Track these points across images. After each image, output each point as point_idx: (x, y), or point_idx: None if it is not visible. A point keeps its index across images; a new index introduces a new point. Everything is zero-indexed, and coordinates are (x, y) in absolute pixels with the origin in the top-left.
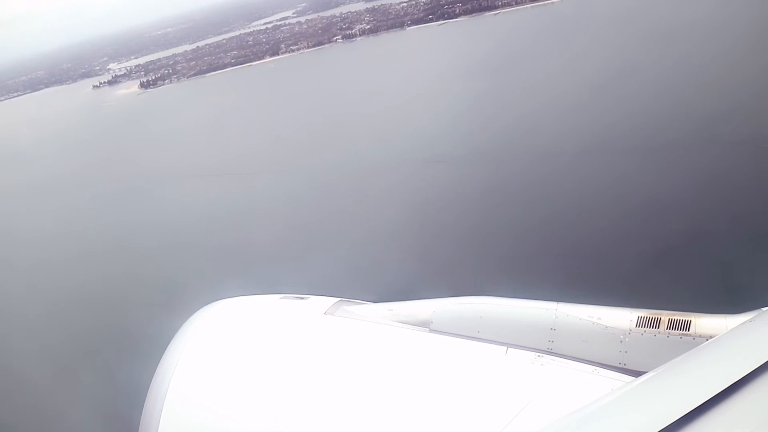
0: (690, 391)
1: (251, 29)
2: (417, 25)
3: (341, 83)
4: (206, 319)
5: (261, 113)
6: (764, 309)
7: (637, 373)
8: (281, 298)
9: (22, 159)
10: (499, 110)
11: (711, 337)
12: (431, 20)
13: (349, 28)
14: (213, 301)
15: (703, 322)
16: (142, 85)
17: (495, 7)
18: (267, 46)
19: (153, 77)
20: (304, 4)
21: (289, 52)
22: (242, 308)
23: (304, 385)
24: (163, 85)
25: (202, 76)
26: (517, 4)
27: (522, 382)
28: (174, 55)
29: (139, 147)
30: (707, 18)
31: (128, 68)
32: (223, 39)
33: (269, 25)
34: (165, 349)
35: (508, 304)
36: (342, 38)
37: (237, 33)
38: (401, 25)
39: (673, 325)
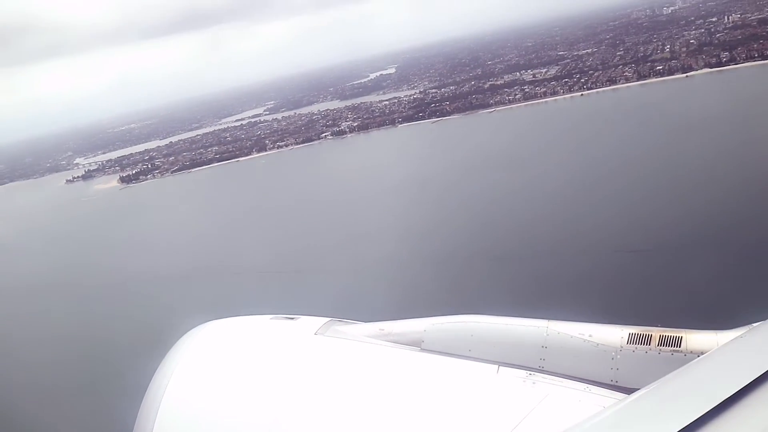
0: (682, 408)
1: (224, 125)
2: (408, 122)
3: (354, 175)
4: (196, 341)
5: (276, 205)
6: (754, 325)
7: (628, 390)
8: (271, 318)
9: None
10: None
11: (702, 353)
12: (422, 118)
13: (334, 125)
14: (202, 323)
15: (694, 338)
16: (123, 180)
17: (486, 106)
18: (249, 142)
19: (132, 172)
20: (272, 103)
21: (277, 148)
22: (232, 329)
23: (294, 406)
24: (146, 180)
25: (188, 171)
26: (510, 102)
27: (514, 400)
28: (147, 151)
29: (137, 242)
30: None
31: (99, 163)
32: (197, 135)
33: (242, 122)
34: (155, 370)
35: (499, 322)
36: (331, 135)
37: (210, 129)
38: (392, 123)
39: (664, 341)
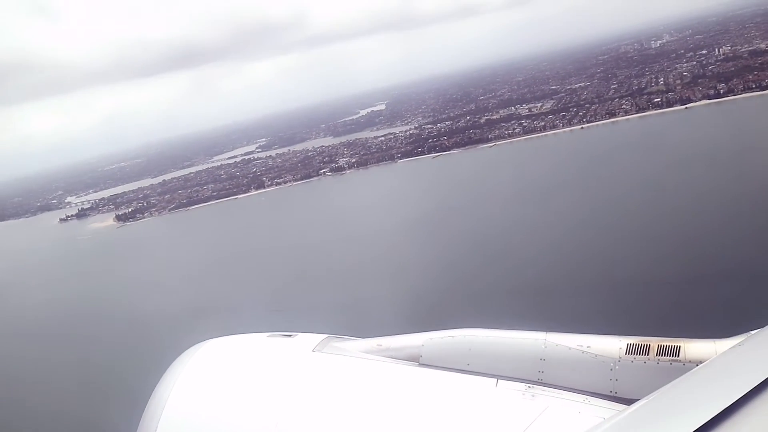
0: (682, 418)
1: (217, 163)
2: (407, 158)
3: (364, 210)
4: (194, 359)
5: (282, 242)
6: (752, 333)
7: (628, 401)
8: (268, 336)
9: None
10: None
11: (701, 362)
12: (421, 153)
13: (331, 161)
14: (200, 341)
15: (692, 348)
16: (119, 218)
17: (486, 140)
18: (246, 180)
19: (129, 210)
20: (263, 140)
21: (276, 185)
22: (230, 347)
23: (293, 423)
24: (143, 218)
25: (185, 209)
26: (510, 136)
27: (513, 414)
28: (140, 189)
29: (141, 280)
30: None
31: (92, 201)
32: (190, 173)
33: (236, 160)
34: (152, 390)
35: (497, 335)
36: (330, 171)
37: (203, 167)
38: (391, 158)
39: (662, 351)
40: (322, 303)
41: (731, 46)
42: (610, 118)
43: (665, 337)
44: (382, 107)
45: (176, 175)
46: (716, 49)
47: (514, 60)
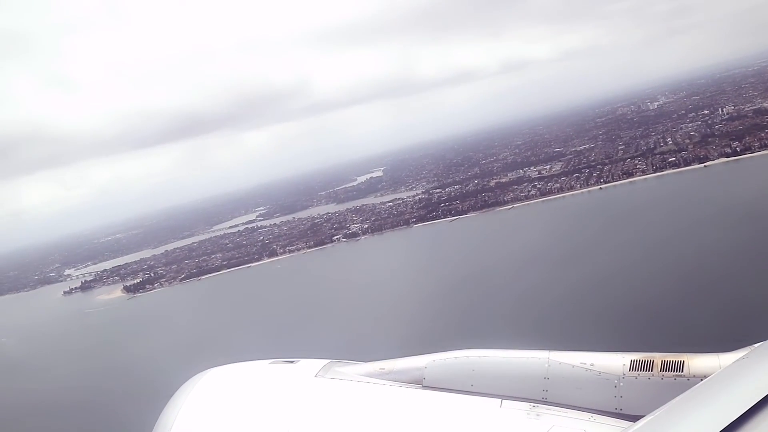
0: None
1: (220, 232)
2: (422, 222)
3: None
4: (197, 387)
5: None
6: (755, 346)
7: (634, 418)
8: (270, 363)
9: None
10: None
11: (705, 376)
12: (435, 217)
13: (341, 227)
14: (202, 371)
15: (696, 362)
16: (127, 290)
17: (502, 203)
18: (255, 248)
19: (136, 281)
20: (262, 209)
21: (289, 253)
22: (233, 375)
23: None
24: (153, 289)
25: (197, 279)
26: (527, 198)
27: None
28: (143, 260)
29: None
30: None
31: (95, 273)
32: (192, 242)
33: (239, 229)
34: (156, 419)
35: (500, 355)
36: (344, 237)
37: (205, 237)
38: (405, 223)
39: (666, 366)
40: None
41: (734, 106)
42: (627, 178)
43: (668, 353)
44: (380, 173)
45: (178, 246)
46: (719, 109)
47: (508, 124)
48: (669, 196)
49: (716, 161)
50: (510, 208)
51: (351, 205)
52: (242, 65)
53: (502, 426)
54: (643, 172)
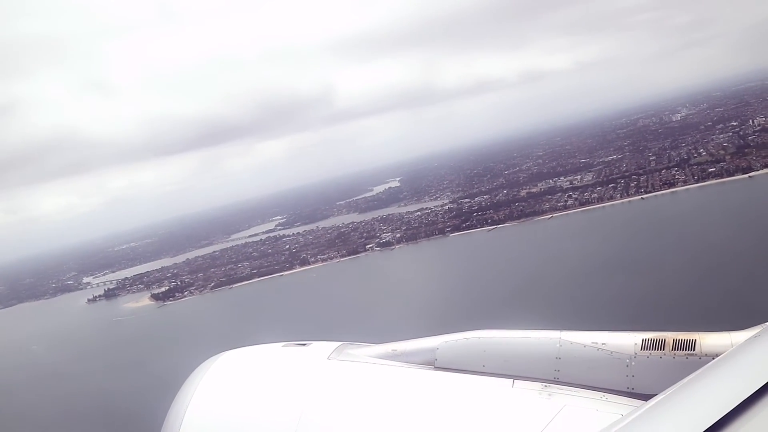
0: (701, 411)
1: (240, 241)
2: (458, 232)
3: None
4: (211, 370)
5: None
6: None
7: (646, 397)
8: (283, 345)
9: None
10: None
11: (717, 355)
12: (469, 227)
13: (371, 236)
14: (215, 354)
15: (707, 341)
16: (156, 298)
17: (540, 213)
18: (282, 257)
19: (163, 289)
20: (280, 218)
21: (321, 262)
22: (246, 358)
23: (311, 431)
24: (183, 297)
25: (228, 287)
26: (566, 208)
27: (531, 413)
28: (164, 268)
29: None
30: None
31: (116, 281)
32: (214, 251)
33: (260, 237)
34: (171, 401)
35: (511, 336)
36: (377, 246)
37: (225, 245)
38: (441, 232)
39: (677, 345)
40: None
41: (764, 117)
42: (668, 188)
43: (680, 331)
44: (397, 183)
45: (199, 254)
46: (750, 120)
47: (523, 135)
48: (724, 204)
49: (761, 171)
50: (550, 218)
51: (375, 214)
52: (268, 74)
53: (515, 406)
54: (685, 183)
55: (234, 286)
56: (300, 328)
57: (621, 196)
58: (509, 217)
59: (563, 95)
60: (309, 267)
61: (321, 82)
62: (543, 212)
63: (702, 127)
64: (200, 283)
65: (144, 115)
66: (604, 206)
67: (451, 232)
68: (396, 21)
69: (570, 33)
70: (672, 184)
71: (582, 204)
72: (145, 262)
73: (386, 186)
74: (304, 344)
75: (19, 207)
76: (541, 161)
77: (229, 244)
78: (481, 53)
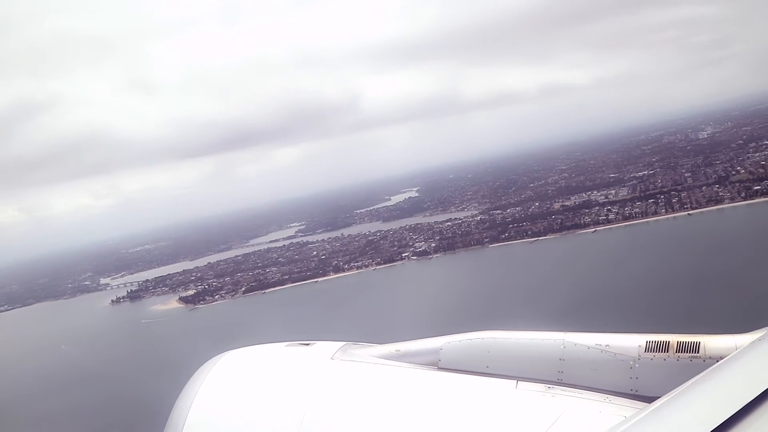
0: (705, 414)
1: (261, 246)
2: (497, 242)
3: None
4: (214, 370)
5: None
6: None
7: (649, 399)
8: (286, 345)
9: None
10: None
11: (721, 357)
12: (508, 239)
13: (402, 245)
14: (218, 354)
15: (712, 343)
16: (185, 301)
17: (581, 226)
18: (313, 263)
19: (191, 293)
20: (298, 224)
21: (356, 269)
22: (249, 358)
23: (314, 430)
24: (214, 300)
25: (261, 292)
26: (608, 222)
27: (534, 415)
28: (186, 271)
29: None
30: None
31: (138, 283)
32: (235, 256)
33: (282, 243)
34: (174, 401)
35: (515, 336)
36: (413, 255)
37: (246, 251)
38: (478, 243)
39: (682, 347)
40: None
41: None
42: (713, 205)
43: (684, 334)
44: (415, 194)
45: (220, 258)
46: None
47: (541, 148)
48: None
49: None
50: (593, 231)
51: (401, 223)
52: (296, 79)
53: (518, 407)
54: (732, 200)
55: (266, 291)
56: (361, 331)
57: (666, 212)
58: (549, 230)
59: (580, 110)
60: (344, 274)
61: (344, 89)
62: (585, 225)
63: (734, 144)
64: (229, 287)
65: (170, 117)
66: (648, 221)
67: (490, 242)
68: (419, 31)
69: (593, 48)
70: (718, 201)
71: (625, 218)
72: (163, 265)
73: (404, 196)
74: (307, 344)
75: (34, 207)
76: (566, 175)
77: (248, 250)
78: (507, 66)
